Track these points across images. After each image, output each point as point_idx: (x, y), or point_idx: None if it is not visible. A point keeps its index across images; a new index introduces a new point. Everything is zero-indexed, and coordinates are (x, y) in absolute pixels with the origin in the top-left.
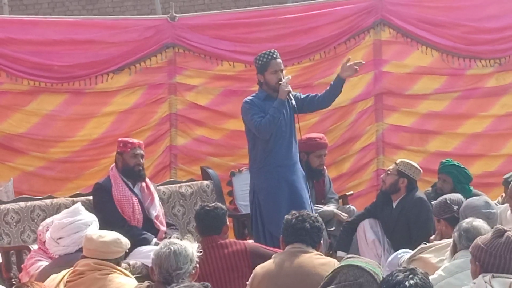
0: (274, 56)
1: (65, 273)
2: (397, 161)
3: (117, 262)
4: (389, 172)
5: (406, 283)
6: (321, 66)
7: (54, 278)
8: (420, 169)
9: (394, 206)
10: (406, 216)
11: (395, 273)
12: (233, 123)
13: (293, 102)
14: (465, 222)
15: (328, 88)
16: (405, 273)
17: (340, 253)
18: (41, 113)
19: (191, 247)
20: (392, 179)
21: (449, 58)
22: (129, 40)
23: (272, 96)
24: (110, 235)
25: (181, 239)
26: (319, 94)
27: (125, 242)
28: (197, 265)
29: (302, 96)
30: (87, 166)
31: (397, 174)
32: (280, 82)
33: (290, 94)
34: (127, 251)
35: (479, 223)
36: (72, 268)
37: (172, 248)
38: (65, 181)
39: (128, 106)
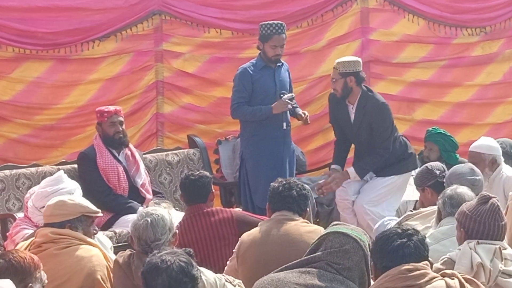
0: (280, 30)
1: (27, 244)
2: (334, 65)
3: (62, 226)
4: (333, 80)
5: (406, 250)
6: (309, 33)
7: (22, 246)
8: (357, 58)
9: (354, 109)
10: (369, 120)
11: (392, 235)
12: (220, 90)
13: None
14: (449, 189)
15: None
16: (402, 240)
17: (334, 166)
18: (26, 80)
19: (169, 215)
20: (341, 84)
21: (435, 27)
22: (115, 7)
23: (269, 66)
24: (57, 199)
25: (159, 205)
26: None
27: (72, 205)
28: (177, 231)
29: None
30: (72, 133)
31: (341, 77)
32: (281, 95)
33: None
34: (100, 214)
35: (463, 189)
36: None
37: (148, 219)
38: (50, 149)
39: (114, 73)
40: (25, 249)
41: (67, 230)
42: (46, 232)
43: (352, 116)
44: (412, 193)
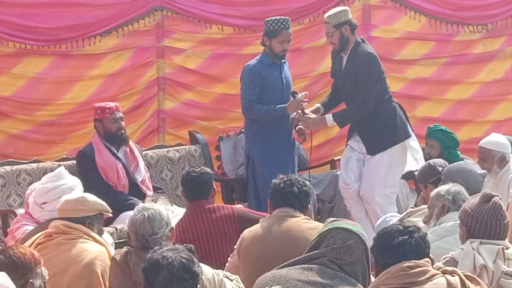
0: (287, 26)
1: (39, 235)
2: (325, 20)
3: (82, 221)
4: (329, 34)
5: (407, 247)
6: (310, 30)
7: (34, 238)
8: (345, 7)
9: (346, 59)
10: (355, 69)
11: (393, 232)
12: (222, 87)
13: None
14: (450, 187)
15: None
16: (403, 237)
17: (318, 104)
18: (27, 75)
19: (165, 210)
20: (337, 36)
21: (437, 24)
22: (117, 2)
23: (275, 62)
24: (78, 195)
25: (155, 201)
26: None
27: (92, 202)
28: (174, 227)
29: None
30: (73, 129)
31: (336, 28)
32: (295, 94)
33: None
34: (110, 214)
35: (461, 187)
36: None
37: (146, 214)
38: (51, 144)
39: (115, 69)
40: (37, 239)
41: (79, 225)
42: (58, 224)
43: (343, 66)
44: (414, 163)
